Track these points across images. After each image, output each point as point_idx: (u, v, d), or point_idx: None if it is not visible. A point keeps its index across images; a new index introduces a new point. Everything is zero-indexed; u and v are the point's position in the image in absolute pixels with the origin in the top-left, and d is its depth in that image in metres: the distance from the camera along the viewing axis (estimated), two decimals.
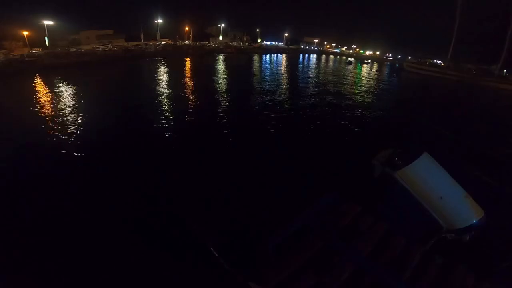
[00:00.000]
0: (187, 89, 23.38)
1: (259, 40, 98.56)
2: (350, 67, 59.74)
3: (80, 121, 13.44)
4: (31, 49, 39.67)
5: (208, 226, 5.62)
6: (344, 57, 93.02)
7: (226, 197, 6.78)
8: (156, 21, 65.66)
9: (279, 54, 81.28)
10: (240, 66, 46.15)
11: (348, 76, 42.55)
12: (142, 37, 60.67)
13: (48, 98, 18.15)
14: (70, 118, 13.80)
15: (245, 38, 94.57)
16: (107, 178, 7.96)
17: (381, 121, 16.95)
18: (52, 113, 14.63)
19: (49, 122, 13.13)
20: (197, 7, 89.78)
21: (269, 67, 48.25)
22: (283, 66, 50.01)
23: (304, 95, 23.04)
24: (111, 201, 6.76)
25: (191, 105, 17.79)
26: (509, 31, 49.44)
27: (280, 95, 22.36)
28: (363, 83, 34.91)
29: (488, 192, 4.78)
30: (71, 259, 4.91)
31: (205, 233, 5.33)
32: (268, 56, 72.12)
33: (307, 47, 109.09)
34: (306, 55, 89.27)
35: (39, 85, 23.24)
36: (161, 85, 24.30)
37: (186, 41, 73.21)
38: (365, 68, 61.99)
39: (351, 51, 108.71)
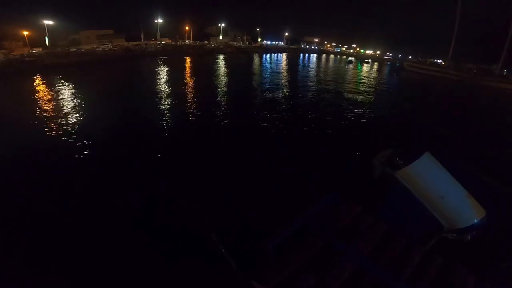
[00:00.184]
0: (187, 88, 23.37)
1: (259, 40, 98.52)
2: (351, 66, 59.71)
3: (80, 120, 13.44)
4: (31, 49, 39.68)
5: (208, 226, 5.61)
6: (344, 57, 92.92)
7: (226, 197, 6.78)
8: (156, 21, 65.69)
9: (279, 54, 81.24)
10: (241, 66, 46.15)
11: (348, 75, 42.52)
12: (142, 36, 60.68)
13: (49, 98, 18.15)
14: (70, 117, 13.80)
15: (245, 38, 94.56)
16: (107, 178, 7.97)
17: (381, 121, 16.93)
18: (53, 113, 14.63)
19: (49, 122, 13.13)
20: (197, 7, 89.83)
21: (269, 66, 48.22)
22: (283, 66, 49.98)
23: (304, 95, 23.02)
24: (111, 201, 6.76)
25: (191, 104, 17.77)
26: (510, 30, 49.30)
27: (280, 94, 22.35)
28: (364, 83, 34.88)
29: (488, 192, 4.76)
30: (71, 259, 4.91)
31: (205, 233, 5.32)
32: (268, 55, 72.09)
33: (307, 46, 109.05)
34: (307, 55, 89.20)
35: (40, 85, 23.25)
36: (161, 85, 24.30)
37: (186, 41, 73.23)
38: (366, 67, 61.94)
39: (352, 51, 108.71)
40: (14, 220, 5.98)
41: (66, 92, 19.91)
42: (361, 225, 3.62)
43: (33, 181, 7.68)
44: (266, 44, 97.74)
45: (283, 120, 15.17)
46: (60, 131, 11.92)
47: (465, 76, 49.90)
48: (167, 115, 14.93)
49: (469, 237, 3.51)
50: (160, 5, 69.99)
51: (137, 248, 5.18)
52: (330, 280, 2.86)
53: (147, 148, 10.37)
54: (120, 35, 61.33)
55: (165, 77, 29.69)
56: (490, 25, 54.97)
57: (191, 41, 73.63)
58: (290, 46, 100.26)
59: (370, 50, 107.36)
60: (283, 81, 30.64)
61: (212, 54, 61.69)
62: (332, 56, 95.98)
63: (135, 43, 57.46)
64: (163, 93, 20.79)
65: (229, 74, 34.74)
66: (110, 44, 50.80)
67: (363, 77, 41.66)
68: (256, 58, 60.93)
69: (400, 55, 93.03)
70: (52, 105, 16.28)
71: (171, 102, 18.10)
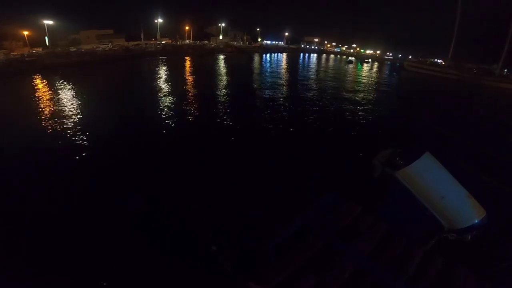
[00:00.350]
0: (188, 88, 23.37)
1: (259, 40, 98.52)
2: (351, 66, 59.69)
3: (80, 120, 13.44)
4: (31, 48, 39.70)
5: (208, 226, 5.61)
6: (344, 57, 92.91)
7: (226, 197, 6.78)
8: (156, 21, 65.69)
9: (279, 54, 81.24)
10: (241, 66, 46.15)
11: (349, 75, 42.52)
12: (142, 36, 60.69)
13: (49, 98, 18.16)
14: (70, 117, 13.80)
15: (245, 38, 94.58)
16: (107, 178, 7.97)
17: (381, 120, 16.92)
18: (53, 113, 14.63)
19: (49, 122, 13.13)
20: (197, 7, 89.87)
21: (269, 66, 48.22)
22: (283, 66, 49.98)
23: (304, 95, 23.01)
24: (111, 201, 6.76)
25: (191, 104, 17.77)
26: (510, 30, 49.28)
27: (281, 94, 22.35)
28: (364, 83, 34.87)
29: (488, 192, 4.76)
30: (71, 259, 4.91)
31: (205, 233, 5.33)
32: (268, 55, 72.09)
33: (308, 46, 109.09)
34: (307, 55, 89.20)
35: (40, 85, 23.25)
36: (161, 85, 24.30)
37: (186, 41, 73.25)
38: (366, 67, 61.93)
39: (352, 50, 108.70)
40: (14, 220, 5.98)
41: (66, 92, 19.91)
42: (361, 225, 3.62)
43: (33, 181, 7.68)
44: (266, 44, 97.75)
45: (283, 120, 15.17)
46: (60, 131, 11.92)
47: (465, 76, 49.87)
48: (167, 115, 14.93)
49: (469, 237, 3.51)
50: (160, 5, 70.12)
51: (136, 249, 5.18)
52: (330, 280, 2.85)
53: (147, 148, 10.37)
54: (120, 35, 61.39)
55: (165, 77, 29.68)
56: (490, 25, 54.96)
57: (191, 41, 73.65)
58: (290, 46, 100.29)
59: (370, 50, 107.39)
60: (283, 81, 30.63)
61: (212, 54, 61.69)
62: (332, 56, 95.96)
63: (135, 43, 57.48)
64: (163, 93, 20.79)
65: (229, 74, 34.74)
66: (110, 44, 50.84)
67: (363, 77, 41.64)
68: (256, 58, 60.92)
69: (400, 55, 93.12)
70: (52, 105, 16.28)
71: (171, 102, 18.10)
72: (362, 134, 13.74)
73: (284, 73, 38.56)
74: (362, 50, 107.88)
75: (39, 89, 21.46)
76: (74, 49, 42.70)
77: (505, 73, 51.28)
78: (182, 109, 16.31)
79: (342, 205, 3.93)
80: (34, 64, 31.10)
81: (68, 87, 21.88)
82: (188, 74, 33.25)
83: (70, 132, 11.79)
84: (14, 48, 39.41)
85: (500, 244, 4.76)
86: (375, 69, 59.67)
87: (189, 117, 14.90)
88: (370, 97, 24.97)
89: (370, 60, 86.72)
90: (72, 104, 16.63)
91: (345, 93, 25.17)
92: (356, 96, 24.23)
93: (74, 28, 52.28)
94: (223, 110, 16.61)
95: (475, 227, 3.40)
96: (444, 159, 3.70)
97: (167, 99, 19.09)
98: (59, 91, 20.31)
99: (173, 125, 13.46)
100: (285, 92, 23.81)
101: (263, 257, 3.18)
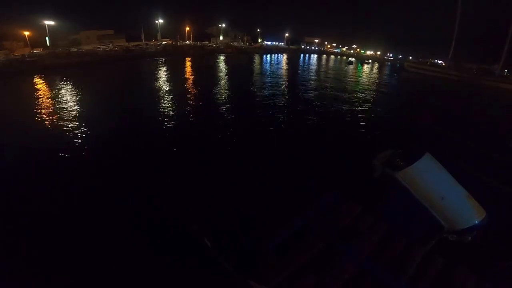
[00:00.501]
0: (188, 89, 23.38)
1: (259, 40, 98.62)
2: (351, 67, 59.67)
3: (80, 121, 13.44)
4: (32, 49, 39.78)
5: (208, 226, 5.61)
6: (344, 57, 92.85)
7: (226, 197, 6.78)
8: (156, 21, 65.85)
9: (279, 54, 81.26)
10: (241, 66, 46.14)
11: (349, 76, 42.50)
12: (142, 37, 60.82)
13: (49, 98, 18.17)
14: (70, 118, 13.81)
15: (245, 38, 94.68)
16: (107, 178, 7.97)
17: (381, 121, 16.92)
18: (53, 113, 14.64)
19: (49, 122, 13.15)
20: (197, 7, 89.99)
21: (269, 67, 48.24)
22: (283, 66, 49.98)
23: (305, 95, 23.01)
24: (111, 201, 6.76)
25: (192, 105, 17.78)
26: (510, 30, 49.27)
27: (281, 95, 22.35)
28: (364, 83, 34.87)
29: (488, 192, 4.76)
30: (71, 259, 4.91)
31: (205, 233, 5.32)
32: (268, 56, 72.10)
33: (308, 47, 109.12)
34: (307, 55, 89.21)
35: (40, 85, 23.27)
36: (162, 85, 24.32)
37: (187, 41, 73.38)
38: (366, 68, 61.92)
39: (352, 51, 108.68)
40: (14, 220, 5.98)
41: (67, 93, 19.92)
42: (361, 225, 3.62)
43: (34, 181, 7.68)
44: (267, 44, 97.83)
45: (283, 120, 15.17)
46: (60, 131, 11.93)
47: (465, 76, 49.85)
48: (167, 115, 14.93)
49: (469, 238, 3.51)
50: (161, 5, 70.35)
51: (136, 249, 5.18)
52: (330, 280, 2.86)
53: (147, 148, 10.37)
54: (120, 36, 61.50)
55: (165, 77, 29.70)
56: (490, 25, 54.94)
57: (191, 42, 73.76)
58: (291, 46, 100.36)
59: (371, 50, 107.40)
60: (283, 81, 30.64)
61: (213, 55, 61.73)
62: (332, 56, 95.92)
63: (136, 43, 57.59)
64: (164, 94, 20.79)
65: (229, 75, 34.74)
66: (110, 44, 50.95)
67: (363, 78, 41.64)
68: (256, 59, 60.95)
69: (400, 56, 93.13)
70: (53, 106, 16.29)
71: (171, 103, 18.11)
72: (362, 134, 13.74)
73: (284, 74, 38.56)
74: (362, 51, 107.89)
75: (39, 89, 21.48)
76: (75, 50, 42.77)
77: (505, 74, 51.26)
78: (182, 109, 16.31)
79: (342, 205, 3.94)
80: (34, 65, 31.15)
81: (69, 87, 21.89)
82: (188, 75, 33.26)
83: (70, 132, 11.80)
84: (15, 49, 39.49)
85: (500, 244, 4.75)
86: (375, 70, 59.66)
87: (189, 117, 14.91)
88: (370, 98, 24.96)
89: (370, 60, 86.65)
90: (72, 104, 16.64)
91: (345, 94, 25.15)
92: (356, 97, 24.22)
93: (74, 29, 52.45)
94: (224, 111, 16.61)
95: (475, 228, 3.41)
96: (444, 159, 3.71)
97: (168, 99, 19.10)
98: (59, 91, 20.32)
99: (173, 125, 13.46)
100: (285, 92, 23.81)
101: (263, 257, 3.18)
